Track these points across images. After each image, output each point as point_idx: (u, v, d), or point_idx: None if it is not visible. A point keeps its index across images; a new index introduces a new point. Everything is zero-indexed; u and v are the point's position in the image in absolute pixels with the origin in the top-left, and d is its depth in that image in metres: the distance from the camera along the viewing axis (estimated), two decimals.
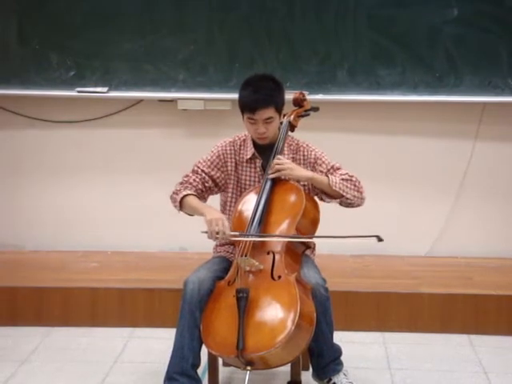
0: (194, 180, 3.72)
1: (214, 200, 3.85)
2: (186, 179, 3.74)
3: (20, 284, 4.71)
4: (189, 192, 3.67)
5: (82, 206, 5.41)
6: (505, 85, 4.99)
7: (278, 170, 3.61)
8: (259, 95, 3.57)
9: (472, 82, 5.01)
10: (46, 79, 5.14)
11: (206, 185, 3.74)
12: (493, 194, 5.25)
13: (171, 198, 3.72)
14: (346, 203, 3.67)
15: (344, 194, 3.61)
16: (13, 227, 5.43)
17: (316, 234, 3.65)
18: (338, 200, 3.66)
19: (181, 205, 3.67)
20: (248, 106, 3.59)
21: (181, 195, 3.66)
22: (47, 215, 5.42)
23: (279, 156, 3.65)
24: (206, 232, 3.50)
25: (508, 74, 4.98)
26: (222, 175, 3.77)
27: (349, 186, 3.63)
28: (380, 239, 3.40)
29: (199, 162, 3.78)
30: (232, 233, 3.50)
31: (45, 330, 4.55)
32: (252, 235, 3.50)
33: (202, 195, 3.74)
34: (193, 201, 3.65)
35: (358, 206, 3.71)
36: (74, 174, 5.36)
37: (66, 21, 5.10)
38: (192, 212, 3.67)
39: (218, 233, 3.47)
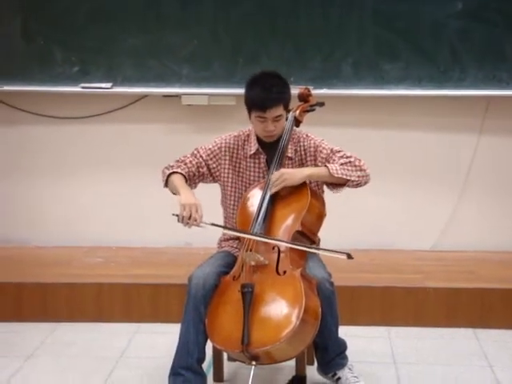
0: (190, 162, 3.72)
1: (215, 196, 3.85)
2: (182, 158, 3.74)
3: (25, 280, 4.72)
4: (179, 171, 3.67)
5: (87, 201, 5.42)
6: (509, 78, 4.99)
7: (279, 185, 3.57)
8: (270, 94, 3.55)
9: (476, 76, 5.00)
10: (50, 75, 5.14)
11: (200, 170, 3.74)
12: (497, 188, 5.25)
13: (162, 171, 3.72)
14: (353, 185, 3.64)
15: (348, 177, 3.58)
16: (17, 223, 5.44)
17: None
18: (346, 186, 3.64)
19: (167, 181, 3.67)
20: (258, 105, 3.56)
21: (171, 171, 3.67)
22: (52, 211, 5.44)
23: (274, 172, 3.61)
24: (177, 215, 3.49)
25: None
26: (218, 167, 3.76)
27: (350, 168, 3.60)
28: (350, 257, 3.37)
29: (200, 147, 3.78)
30: (204, 222, 3.47)
31: (50, 325, 4.56)
32: (224, 227, 3.54)
33: (194, 179, 3.74)
34: (178, 180, 3.64)
35: (366, 183, 3.67)
36: (78, 169, 5.37)
37: (71, 17, 5.11)
38: (173, 190, 3.66)
39: (189, 218, 3.45)
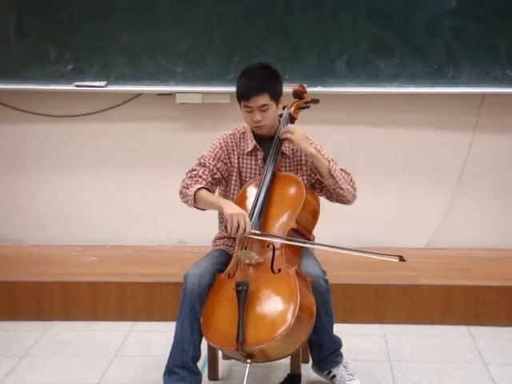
0: (203, 173, 3.66)
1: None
2: (194, 173, 3.67)
3: (20, 278, 4.71)
4: (200, 186, 3.60)
5: (81, 200, 5.41)
6: (503, 76, 4.99)
7: (289, 132, 3.62)
8: (252, 82, 3.58)
9: (471, 73, 5.01)
10: (44, 73, 5.13)
11: (215, 177, 3.69)
12: (492, 185, 5.26)
13: (181, 192, 3.64)
14: (338, 194, 3.67)
15: (340, 183, 3.62)
16: (12, 222, 5.43)
17: (338, 245, 3.56)
18: (331, 189, 3.65)
19: (195, 199, 3.59)
20: (242, 94, 3.60)
21: (193, 189, 3.58)
22: (46, 210, 5.42)
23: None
24: (226, 226, 3.46)
25: (507, 65, 4.98)
26: (225, 167, 3.74)
27: (345, 177, 3.67)
28: (402, 259, 3.37)
29: (203, 156, 3.72)
30: (253, 231, 3.45)
31: (45, 324, 4.55)
32: (273, 236, 3.48)
33: (212, 188, 3.69)
34: (207, 195, 3.58)
35: (348, 202, 3.72)
36: (72, 168, 5.36)
37: (65, 14, 5.09)
38: (207, 206, 3.61)
39: (238, 229, 3.43)
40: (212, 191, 3.68)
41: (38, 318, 4.59)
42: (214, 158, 3.72)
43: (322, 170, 3.64)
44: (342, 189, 3.64)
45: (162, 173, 5.17)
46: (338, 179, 3.62)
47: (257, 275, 3.41)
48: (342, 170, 3.67)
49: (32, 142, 5.37)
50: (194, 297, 3.45)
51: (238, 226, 3.41)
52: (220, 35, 5.06)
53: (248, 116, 3.64)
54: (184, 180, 3.66)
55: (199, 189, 3.59)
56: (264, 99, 3.59)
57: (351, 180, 3.69)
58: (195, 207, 3.63)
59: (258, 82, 3.59)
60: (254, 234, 3.46)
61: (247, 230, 3.43)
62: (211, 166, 3.69)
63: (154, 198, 5.19)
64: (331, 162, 3.63)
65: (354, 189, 3.70)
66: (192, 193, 3.58)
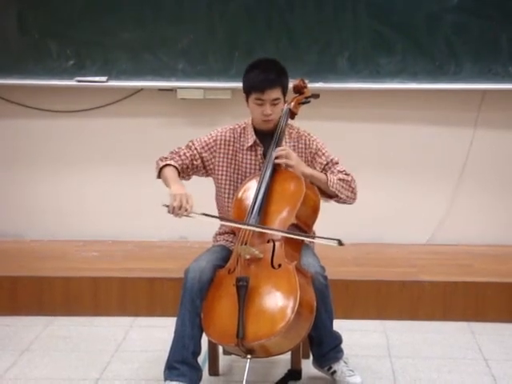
0: (184, 154, 3.72)
1: (211, 187, 3.84)
2: (177, 150, 3.74)
3: (21, 273, 4.71)
4: (172, 163, 3.67)
5: (82, 195, 5.42)
6: (505, 72, 5.00)
7: (285, 158, 3.60)
8: (268, 75, 3.60)
9: (472, 70, 5.02)
10: (45, 69, 5.14)
11: (194, 162, 3.74)
12: (493, 182, 5.26)
13: (156, 162, 3.72)
14: (338, 201, 3.73)
15: (339, 194, 3.67)
16: (13, 217, 5.44)
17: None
18: (332, 199, 3.71)
19: (160, 172, 3.68)
20: (257, 86, 3.59)
21: (163, 163, 3.67)
22: (47, 205, 5.43)
23: (287, 148, 3.65)
24: (168, 206, 3.48)
25: (508, 61, 4.99)
26: (213, 159, 3.76)
27: (344, 186, 3.68)
28: (341, 243, 3.40)
29: (196, 139, 3.78)
30: (194, 212, 3.46)
31: (46, 319, 4.55)
32: (214, 216, 3.52)
33: (187, 172, 3.74)
34: (169, 172, 3.64)
35: (349, 204, 3.76)
36: (73, 163, 5.37)
37: (66, 10, 5.10)
38: (165, 183, 3.65)
39: (180, 208, 3.44)
40: (186, 174, 3.73)
41: (39, 313, 4.59)
42: (203, 146, 3.75)
43: (320, 186, 3.67)
44: (341, 198, 3.70)
45: None
46: (337, 191, 3.66)
47: (257, 271, 3.41)
48: (340, 179, 3.67)
49: (33, 137, 5.38)
50: (194, 292, 3.46)
51: (180, 207, 3.43)
52: (221, 31, 5.06)
53: (258, 109, 3.64)
54: (166, 153, 3.74)
55: (169, 165, 3.65)
56: (277, 93, 3.61)
57: (350, 186, 3.70)
58: (160, 179, 3.70)
59: (274, 76, 3.61)
60: (196, 214, 3.45)
61: (188, 210, 3.44)
62: (195, 152, 3.73)
63: (155, 193, 5.17)
64: (328, 177, 3.64)
65: (355, 193, 3.73)
66: (160, 166, 3.67)
